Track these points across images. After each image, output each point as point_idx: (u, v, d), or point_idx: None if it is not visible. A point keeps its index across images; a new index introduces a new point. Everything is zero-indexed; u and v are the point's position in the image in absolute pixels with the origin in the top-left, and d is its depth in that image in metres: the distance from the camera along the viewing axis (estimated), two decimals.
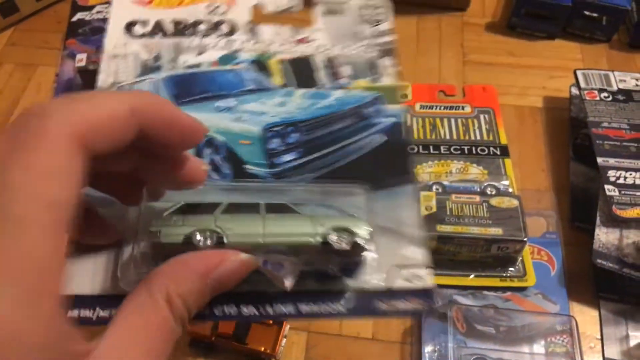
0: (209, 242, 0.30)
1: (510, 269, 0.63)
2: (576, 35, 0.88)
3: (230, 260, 0.29)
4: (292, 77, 0.41)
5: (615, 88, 0.75)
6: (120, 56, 0.42)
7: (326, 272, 0.31)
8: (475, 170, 0.72)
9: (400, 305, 0.32)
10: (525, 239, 0.59)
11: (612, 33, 0.87)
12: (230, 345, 0.58)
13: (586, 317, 0.62)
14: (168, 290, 0.27)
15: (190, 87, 0.40)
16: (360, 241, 0.31)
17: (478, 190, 0.65)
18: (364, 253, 0.32)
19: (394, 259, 0.33)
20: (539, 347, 0.58)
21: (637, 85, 0.75)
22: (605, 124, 0.71)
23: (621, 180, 0.65)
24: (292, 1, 0.43)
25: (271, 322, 0.59)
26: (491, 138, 0.76)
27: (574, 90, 0.80)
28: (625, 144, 0.69)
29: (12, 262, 0.21)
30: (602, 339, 0.60)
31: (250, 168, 0.36)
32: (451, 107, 0.79)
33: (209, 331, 0.58)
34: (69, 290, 0.30)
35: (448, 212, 0.61)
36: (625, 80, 0.75)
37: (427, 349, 0.59)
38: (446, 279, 0.63)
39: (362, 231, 0.31)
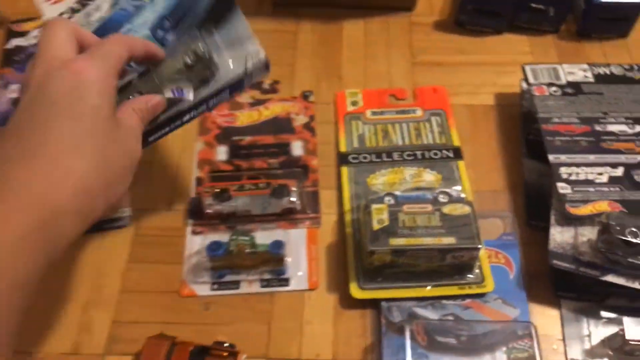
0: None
1: (469, 275, 0.62)
2: (524, 29, 0.87)
3: (154, 98, 0.55)
4: None
5: (564, 81, 0.74)
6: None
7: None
8: (429, 176, 0.71)
9: None
10: (479, 246, 0.58)
11: (559, 23, 0.87)
12: None
13: (547, 318, 0.61)
14: (134, 107, 0.53)
15: (106, 31, 0.59)
16: (199, 51, 0.56)
17: (430, 198, 0.63)
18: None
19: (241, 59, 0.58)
20: (501, 355, 0.57)
21: (585, 77, 0.74)
22: (556, 120, 0.70)
23: (573, 177, 0.64)
24: None
25: (226, 353, 0.57)
26: (444, 141, 0.75)
27: (525, 85, 0.79)
28: (575, 138, 0.68)
29: None
30: (564, 340, 0.59)
31: None
32: (402, 112, 0.78)
33: None
34: None
35: (400, 224, 0.60)
36: (573, 73, 0.75)
37: None
38: (404, 292, 0.62)
39: (199, 46, 0.57)
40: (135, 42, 0.54)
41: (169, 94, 0.56)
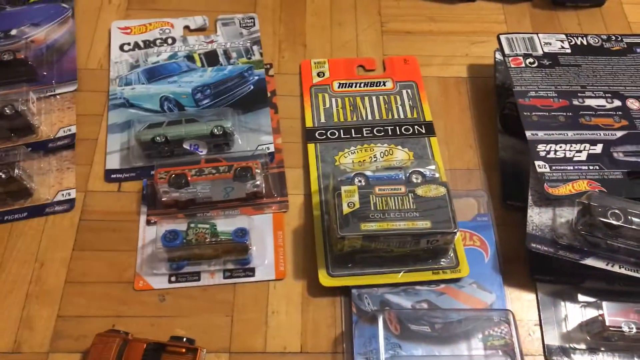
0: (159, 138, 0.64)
1: (443, 260, 0.59)
2: None
3: None
4: (206, 62, 0.76)
5: (540, 52, 0.70)
6: (118, 62, 0.75)
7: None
8: (400, 154, 0.67)
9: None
10: (455, 230, 0.55)
11: None
12: None
13: (523, 303, 0.59)
14: None
15: (155, 73, 0.74)
16: (228, 129, 0.66)
17: (403, 179, 0.59)
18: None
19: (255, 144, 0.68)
20: (476, 342, 0.54)
21: (562, 47, 0.71)
22: (532, 93, 0.66)
23: (551, 155, 0.61)
24: (203, 22, 0.78)
25: (184, 350, 0.53)
26: (415, 115, 0.70)
27: (499, 56, 0.75)
28: (553, 113, 0.65)
29: None
30: (540, 325, 0.57)
31: (187, 108, 0.71)
32: (372, 84, 0.73)
33: None
34: None
35: (372, 207, 0.56)
36: (550, 43, 0.71)
37: (360, 358, 0.54)
38: (375, 278, 0.58)
39: (229, 125, 0.66)
40: None
41: (187, 146, 0.65)
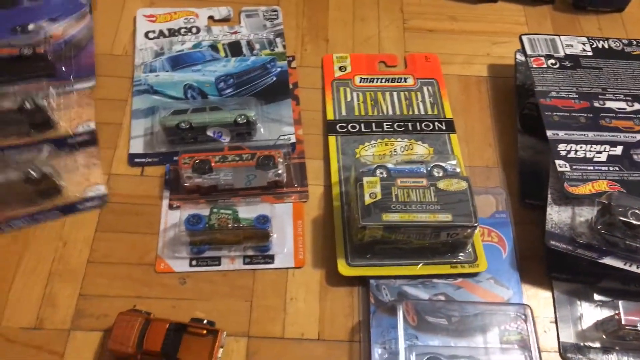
0: (183, 125, 0.65)
1: (461, 254, 0.60)
2: None
3: None
4: (229, 52, 0.76)
5: (562, 54, 0.71)
6: (143, 49, 0.76)
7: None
8: (420, 149, 0.67)
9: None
10: (475, 224, 0.55)
11: None
12: None
13: (539, 300, 0.59)
14: None
15: (179, 61, 0.75)
16: (251, 118, 0.67)
17: (424, 172, 0.60)
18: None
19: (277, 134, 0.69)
20: (493, 337, 0.55)
21: (584, 50, 0.71)
22: (554, 94, 0.67)
23: (572, 154, 0.62)
24: (227, 13, 0.79)
25: (205, 331, 0.53)
26: (436, 112, 0.71)
27: (520, 57, 0.76)
28: (574, 114, 0.65)
29: None
30: (556, 322, 0.58)
31: (210, 96, 0.72)
32: (393, 80, 0.74)
33: (133, 349, 0.52)
34: None
35: (394, 199, 0.56)
36: (572, 45, 0.72)
37: (377, 347, 0.55)
38: (394, 270, 0.59)
39: (252, 114, 0.66)
40: None
41: (210, 133, 0.66)
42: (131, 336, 0.52)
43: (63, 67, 0.72)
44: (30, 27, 0.74)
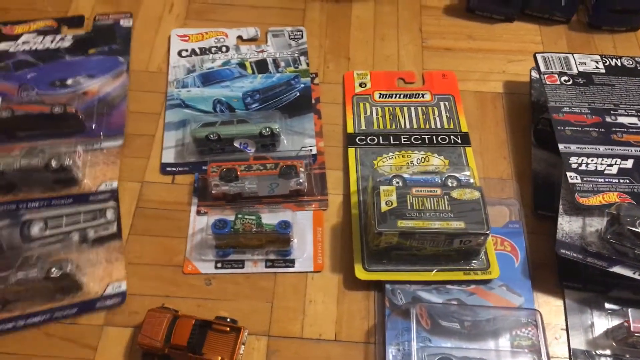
0: (212, 136, 0.70)
1: (474, 261, 0.62)
2: (535, 17, 0.86)
3: None
4: (256, 69, 0.81)
5: (575, 71, 0.73)
6: (176, 66, 0.81)
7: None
8: (436, 161, 0.70)
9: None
10: (487, 232, 0.58)
11: (571, 13, 0.86)
12: (186, 357, 0.55)
13: (551, 308, 0.61)
14: None
15: (209, 78, 0.80)
16: (275, 130, 0.71)
17: (439, 182, 0.63)
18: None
19: (299, 146, 0.73)
20: (504, 342, 0.57)
21: (597, 67, 0.74)
22: (566, 109, 0.69)
23: (583, 167, 0.64)
24: (255, 33, 0.84)
25: (228, 329, 0.57)
26: (452, 126, 0.74)
27: (534, 74, 0.79)
28: (586, 129, 0.67)
29: None
30: (567, 330, 0.59)
31: (237, 111, 0.76)
32: (411, 95, 0.77)
33: (161, 343, 0.55)
34: None
35: (409, 207, 0.59)
36: (585, 63, 0.74)
37: (391, 348, 0.57)
38: (409, 275, 0.61)
39: (276, 126, 0.71)
40: None
41: (237, 144, 0.70)
42: (160, 331, 0.55)
43: (93, 125, 0.73)
44: (69, 81, 0.77)
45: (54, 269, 0.58)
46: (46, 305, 0.60)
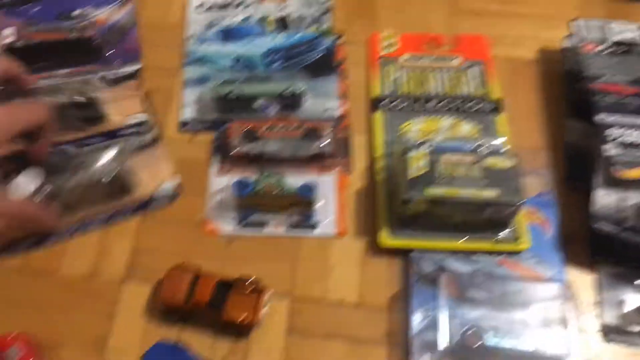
0: (233, 94, 0.68)
1: (504, 232, 0.60)
2: None
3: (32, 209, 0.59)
4: (278, 27, 0.77)
5: (614, 39, 0.70)
6: (196, 21, 0.77)
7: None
8: (466, 128, 0.68)
9: None
10: (521, 202, 0.56)
11: None
12: (208, 315, 0.54)
13: (582, 281, 0.59)
14: None
15: (229, 34, 0.76)
16: (298, 90, 0.68)
17: (471, 149, 0.61)
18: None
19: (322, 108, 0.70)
20: (532, 314, 0.55)
21: (636, 37, 0.70)
22: (603, 79, 0.66)
23: (620, 139, 0.61)
24: None
25: (251, 288, 0.55)
26: (482, 93, 0.71)
27: (570, 42, 0.75)
28: (624, 99, 0.65)
29: None
30: (598, 304, 0.58)
31: (258, 69, 0.73)
32: (440, 59, 0.74)
33: (183, 300, 0.54)
34: None
35: (439, 173, 0.57)
36: (624, 31, 0.71)
37: (417, 315, 0.56)
38: (436, 243, 0.60)
39: (300, 87, 0.68)
40: (43, 117, 0.57)
41: (258, 104, 0.68)
42: (182, 288, 0.54)
43: (108, 52, 0.72)
44: (75, 13, 0.75)
45: (107, 171, 0.60)
46: (104, 209, 0.62)
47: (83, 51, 0.71)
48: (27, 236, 0.60)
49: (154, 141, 0.67)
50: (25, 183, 0.57)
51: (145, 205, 0.63)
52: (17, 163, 0.59)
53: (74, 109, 0.65)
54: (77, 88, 0.66)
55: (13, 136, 0.54)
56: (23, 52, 0.67)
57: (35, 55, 0.68)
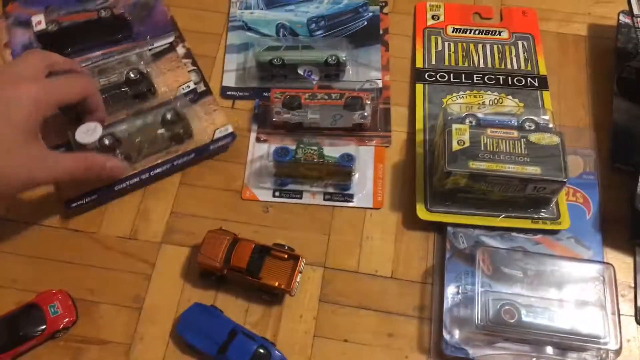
0: (276, 61, 0.68)
1: (543, 210, 0.59)
2: None
3: (113, 162, 0.60)
4: None
5: None
6: None
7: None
8: (510, 103, 0.66)
9: None
10: (565, 180, 0.55)
11: None
12: (244, 279, 0.55)
13: (620, 264, 0.58)
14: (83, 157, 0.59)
15: (273, 0, 0.76)
16: (342, 59, 0.67)
17: (516, 124, 0.59)
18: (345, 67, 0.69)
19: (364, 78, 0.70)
20: (568, 294, 0.55)
21: None
22: None
23: None
24: None
25: (286, 256, 0.56)
26: (529, 68, 0.69)
27: (623, 18, 0.73)
28: None
29: None
30: (635, 288, 0.57)
31: (301, 36, 0.73)
32: (487, 32, 0.72)
33: (220, 264, 0.55)
34: None
35: (482, 148, 0.56)
36: None
37: (450, 290, 0.56)
38: (473, 219, 0.59)
39: (343, 55, 0.67)
40: (86, 89, 0.58)
41: (301, 71, 0.68)
42: (219, 252, 0.55)
43: (140, 28, 0.72)
44: None
45: (167, 113, 0.62)
46: (165, 156, 0.63)
47: (115, 29, 0.70)
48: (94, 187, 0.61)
49: (205, 94, 0.68)
50: (87, 134, 0.58)
51: (205, 148, 0.64)
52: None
53: (125, 86, 0.65)
54: (126, 65, 0.66)
55: (55, 108, 0.55)
56: (57, 37, 0.68)
57: (69, 38, 0.69)
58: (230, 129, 0.65)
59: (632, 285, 0.57)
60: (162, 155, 0.63)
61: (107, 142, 0.60)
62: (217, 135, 0.65)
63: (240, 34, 0.73)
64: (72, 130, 0.59)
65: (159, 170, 0.63)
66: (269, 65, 0.67)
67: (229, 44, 0.73)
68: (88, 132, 0.58)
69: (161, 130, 0.63)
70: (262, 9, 0.75)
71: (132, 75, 0.65)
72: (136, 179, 0.62)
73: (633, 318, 0.56)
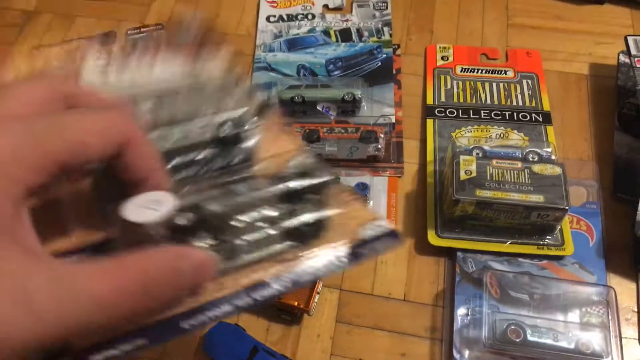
0: (297, 98, 0.73)
1: (548, 237, 0.62)
2: (627, 0, 0.84)
3: (196, 254, 0.28)
4: (340, 37, 0.83)
5: None
6: (264, 31, 0.84)
7: None
8: (516, 137, 0.71)
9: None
10: (567, 207, 0.58)
11: None
12: None
13: (623, 289, 0.61)
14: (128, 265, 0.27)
15: (295, 44, 0.83)
16: (357, 96, 0.73)
17: (520, 156, 0.63)
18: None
19: (378, 114, 0.75)
20: (573, 317, 0.58)
21: None
22: None
23: None
24: (340, 2, 0.86)
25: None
26: (533, 104, 0.74)
27: (623, 58, 0.77)
28: None
29: None
30: (639, 312, 0.59)
31: (320, 76, 0.78)
32: (493, 71, 0.77)
33: None
34: None
35: (488, 177, 0.60)
36: None
37: (460, 312, 0.59)
38: (482, 245, 0.63)
39: (359, 93, 0.73)
40: (123, 131, 0.29)
41: (320, 108, 0.73)
42: None
43: None
44: None
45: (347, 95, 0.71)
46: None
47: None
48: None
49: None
50: (146, 207, 0.29)
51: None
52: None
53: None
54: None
55: (56, 166, 0.27)
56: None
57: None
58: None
59: (636, 309, 0.60)
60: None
61: (183, 221, 0.31)
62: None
63: (264, 74, 0.79)
64: (110, 204, 0.30)
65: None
66: (291, 102, 0.73)
67: (254, 83, 0.79)
68: (148, 205, 0.29)
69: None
70: (284, 52, 0.81)
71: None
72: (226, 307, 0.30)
73: (637, 341, 0.58)
